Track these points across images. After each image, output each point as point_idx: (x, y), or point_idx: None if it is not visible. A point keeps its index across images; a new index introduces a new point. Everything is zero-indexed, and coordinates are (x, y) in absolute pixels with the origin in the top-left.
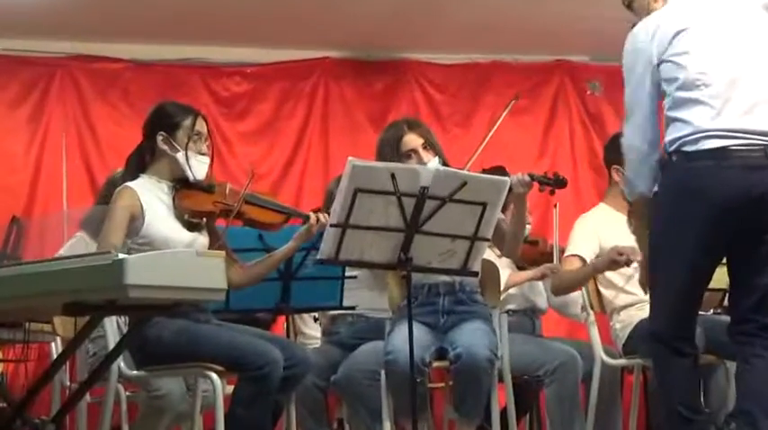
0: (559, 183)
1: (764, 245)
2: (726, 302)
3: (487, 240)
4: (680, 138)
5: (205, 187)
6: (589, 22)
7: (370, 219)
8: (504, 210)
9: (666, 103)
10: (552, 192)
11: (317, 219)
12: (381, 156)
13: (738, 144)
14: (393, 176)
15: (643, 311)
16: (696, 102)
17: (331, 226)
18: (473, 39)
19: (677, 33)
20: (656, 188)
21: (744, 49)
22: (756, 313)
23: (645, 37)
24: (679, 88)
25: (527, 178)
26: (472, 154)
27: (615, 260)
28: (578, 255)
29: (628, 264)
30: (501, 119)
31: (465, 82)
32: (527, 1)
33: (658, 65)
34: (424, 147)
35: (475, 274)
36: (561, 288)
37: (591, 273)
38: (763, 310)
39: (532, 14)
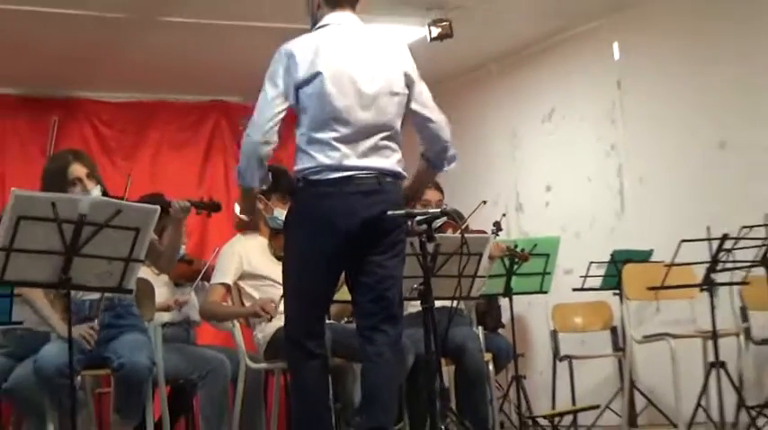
0: (214, 207)
1: (374, 256)
2: None
3: (141, 261)
4: (307, 169)
5: None
6: (241, 67)
7: (33, 243)
8: (163, 231)
9: (299, 130)
10: (209, 215)
11: None
12: (47, 185)
13: (357, 174)
14: (53, 205)
15: (281, 321)
16: (325, 143)
17: None
18: (139, 80)
19: (317, 75)
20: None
21: (366, 98)
22: (375, 308)
23: (297, 58)
24: (311, 125)
25: (187, 204)
26: (124, 189)
27: (257, 313)
28: (223, 283)
29: (270, 319)
30: None
31: (131, 119)
32: (187, 46)
33: (297, 89)
34: (88, 177)
35: (129, 292)
36: (206, 316)
37: (234, 316)
38: (380, 306)
39: (192, 59)
